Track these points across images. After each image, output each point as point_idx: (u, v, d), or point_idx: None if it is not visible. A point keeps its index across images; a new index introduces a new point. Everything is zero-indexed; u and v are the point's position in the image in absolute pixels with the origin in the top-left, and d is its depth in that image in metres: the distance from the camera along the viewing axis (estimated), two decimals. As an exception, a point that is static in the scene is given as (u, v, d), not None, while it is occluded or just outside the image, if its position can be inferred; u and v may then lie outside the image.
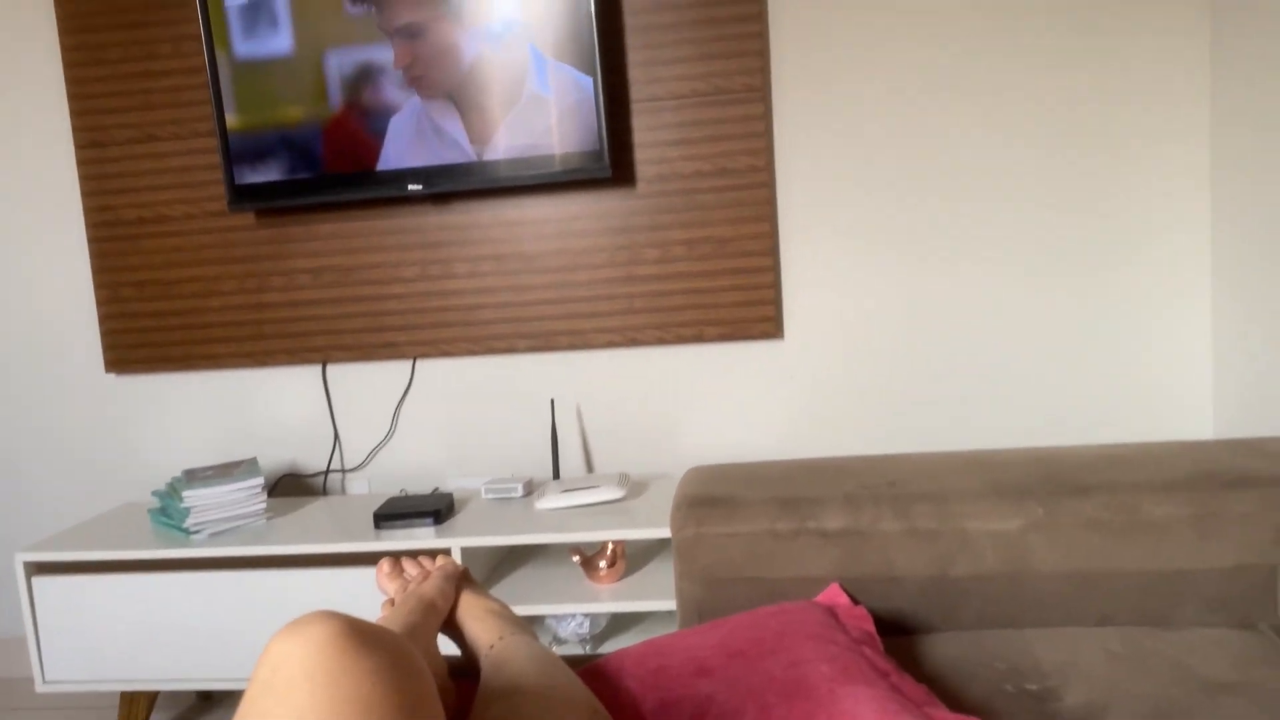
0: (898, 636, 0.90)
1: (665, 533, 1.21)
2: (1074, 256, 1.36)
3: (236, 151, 1.37)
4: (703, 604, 0.95)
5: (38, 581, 1.36)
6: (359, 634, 0.39)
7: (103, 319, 1.49)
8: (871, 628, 0.82)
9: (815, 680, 0.66)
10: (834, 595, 0.89)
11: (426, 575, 0.78)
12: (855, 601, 0.89)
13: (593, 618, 1.34)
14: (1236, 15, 1.23)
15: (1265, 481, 0.88)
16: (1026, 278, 1.37)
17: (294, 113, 1.35)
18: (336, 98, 1.35)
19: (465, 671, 0.71)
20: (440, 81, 1.32)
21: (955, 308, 1.39)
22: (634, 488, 1.39)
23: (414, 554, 0.85)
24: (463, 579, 0.80)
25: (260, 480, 1.38)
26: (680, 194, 1.39)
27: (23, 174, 1.53)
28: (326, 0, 1.32)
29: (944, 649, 0.86)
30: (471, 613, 0.76)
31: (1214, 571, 0.87)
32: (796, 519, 0.94)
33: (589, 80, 1.30)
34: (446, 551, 1.27)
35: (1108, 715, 0.71)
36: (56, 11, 1.44)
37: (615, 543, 1.32)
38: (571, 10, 1.29)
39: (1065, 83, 1.33)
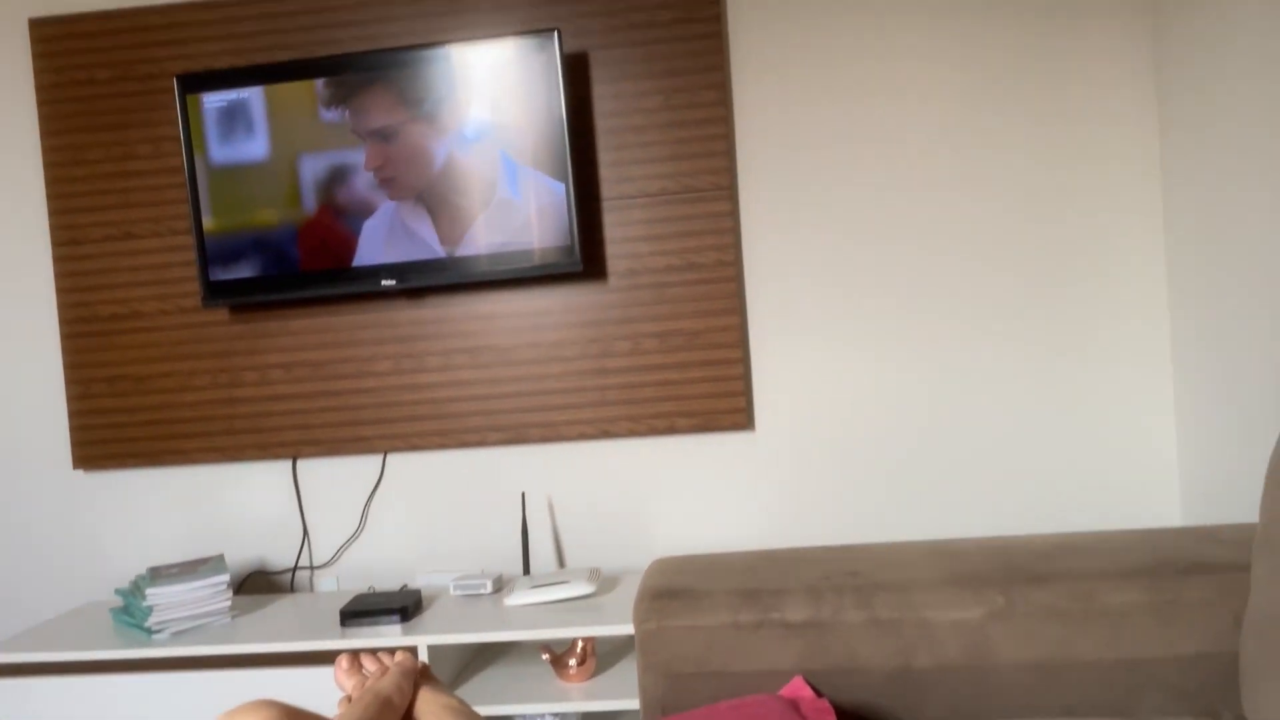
0: None
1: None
2: (1037, 345, 1.38)
3: (212, 251, 1.38)
4: (665, 699, 0.94)
5: None
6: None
7: (73, 415, 1.48)
8: None
9: None
10: (798, 688, 0.88)
11: (384, 671, 0.78)
12: (819, 694, 0.88)
13: (563, 718, 1.31)
14: (1182, 101, 1.27)
15: (1223, 568, 0.88)
16: (991, 367, 1.38)
17: (269, 215, 1.37)
18: (311, 200, 1.37)
19: None
20: (411, 183, 1.35)
21: (922, 397, 1.40)
22: (605, 583, 1.37)
23: (376, 651, 0.85)
24: (421, 675, 0.79)
25: (226, 577, 1.36)
26: (651, 287, 1.41)
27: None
28: (301, 106, 1.35)
29: None
30: (429, 710, 0.76)
31: (1175, 660, 0.86)
32: (759, 610, 0.94)
33: (560, 185, 1.33)
34: (412, 650, 1.25)
35: None
36: (39, 113, 1.47)
37: (585, 640, 1.29)
38: (543, 117, 1.32)
39: (1025, 180, 1.37)
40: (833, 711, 0.83)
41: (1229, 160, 1.15)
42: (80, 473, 1.51)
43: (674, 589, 0.96)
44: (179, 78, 1.37)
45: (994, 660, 0.89)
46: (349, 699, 0.73)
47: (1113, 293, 1.35)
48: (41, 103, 1.46)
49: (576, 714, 1.33)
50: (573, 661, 1.27)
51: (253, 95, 1.36)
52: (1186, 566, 0.90)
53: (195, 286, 1.43)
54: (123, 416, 1.47)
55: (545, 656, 1.30)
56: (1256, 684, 0.76)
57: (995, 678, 0.90)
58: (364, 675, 0.79)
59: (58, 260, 1.47)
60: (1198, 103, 1.23)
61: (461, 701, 0.78)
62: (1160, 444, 1.36)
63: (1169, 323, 1.34)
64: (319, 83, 1.35)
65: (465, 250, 1.35)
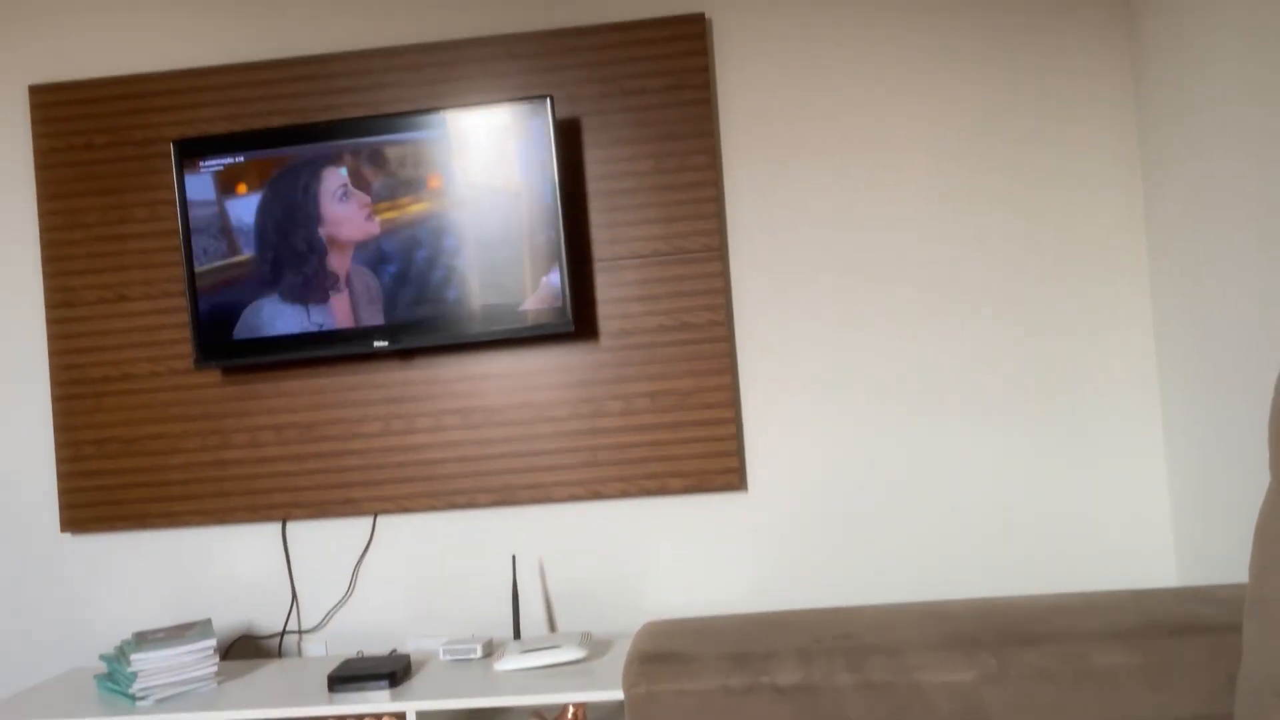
0: None
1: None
2: (1028, 406, 1.38)
3: (203, 318, 1.37)
4: None
5: None
6: None
7: (62, 477, 1.46)
8: None
9: None
10: None
11: None
12: None
13: None
14: (1165, 160, 1.29)
15: (1217, 629, 0.87)
16: (983, 427, 1.38)
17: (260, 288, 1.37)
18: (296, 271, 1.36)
19: None
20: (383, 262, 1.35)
21: (914, 456, 1.39)
22: (597, 647, 1.34)
23: (364, 718, 0.82)
24: None
25: (213, 642, 1.33)
26: (642, 348, 1.40)
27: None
28: (290, 181, 1.36)
29: None
30: None
31: None
32: (750, 674, 0.93)
33: (558, 280, 1.33)
34: (400, 717, 1.21)
35: None
36: (37, 177, 1.48)
37: (577, 705, 1.27)
38: (537, 181, 1.33)
39: (1012, 238, 1.39)
40: None
41: (1212, 220, 1.16)
42: (68, 535, 1.48)
43: (664, 653, 0.96)
44: (175, 143, 1.38)
45: None
46: None
47: (1102, 353, 1.36)
48: (40, 167, 1.47)
49: None
50: None
51: (243, 162, 1.37)
52: (1179, 627, 0.90)
53: (187, 348, 1.42)
54: (111, 479, 1.45)
55: None
56: None
57: None
58: None
59: (51, 323, 1.46)
60: (1180, 164, 1.25)
61: None
62: (1153, 503, 1.35)
63: (1158, 380, 1.34)
64: (298, 151, 1.36)
65: (459, 314, 1.35)
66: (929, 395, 1.38)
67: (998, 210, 1.37)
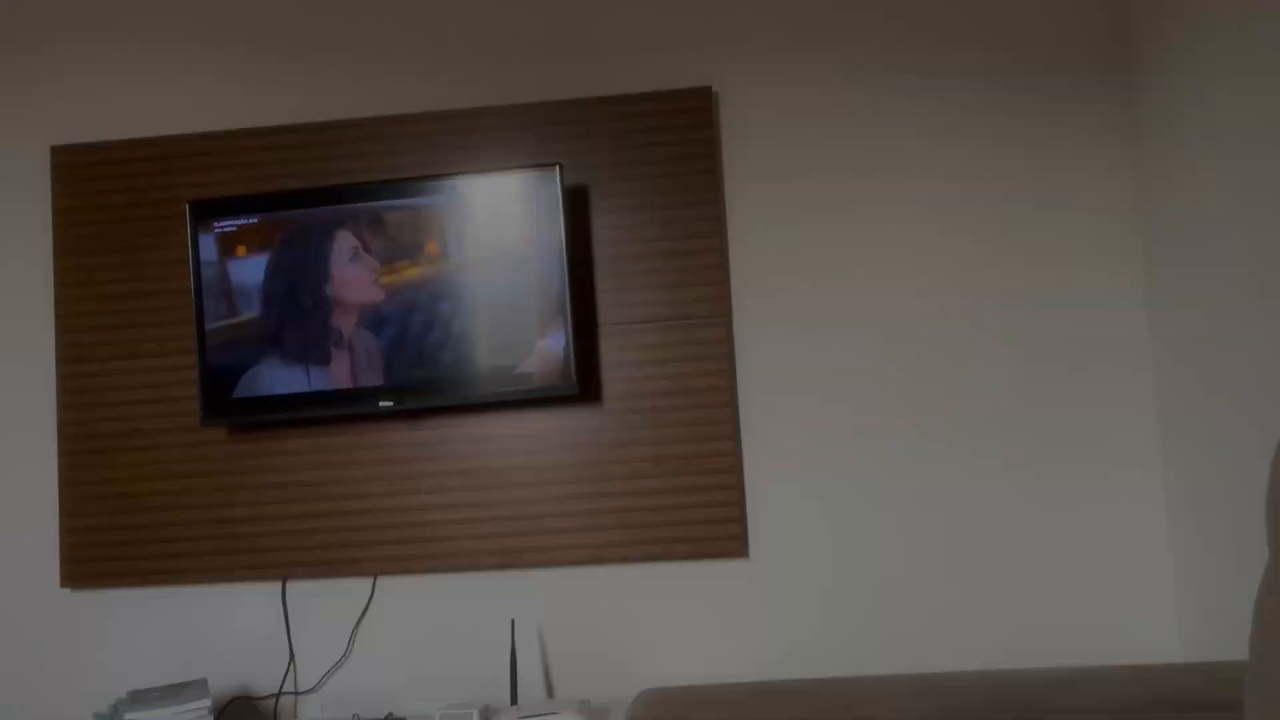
0: None
1: None
2: (1031, 478, 1.37)
3: (212, 375, 1.36)
4: None
5: None
6: None
7: (65, 533, 1.44)
8: None
9: None
10: None
11: None
12: None
13: None
14: (1166, 234, 1.29)
15: (1223, 707, 0.85)
16: (986, 498, 1.36)
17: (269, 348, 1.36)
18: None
19: None
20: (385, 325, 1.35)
21: (917, 527, 1.37)
22: (595, 714, 1.31)
23: None
24: None
25: (207, 703, 1.30)
26: (646, 411, 1.39)
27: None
28: (299, 244, 1.36)
29: None
30: None
31: None
32: None
33: (563, 342, 1.33)
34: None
35: None
36: (55, 236, 1.48)
37: None
38: (544, 247, 1.33)
39: (1012, 311, 1.37)
40: None
41: (1213, 287, 1.16)
42: (66, 591, 1.45)
43: None
44: (190, 204, 1.38)
45: None
46: None
47: (1104, 428, 1.35)
48: (58, 226, 1.47)
49: None
50: None
51: (253, 222, 1.38)
52: (1184, 705, 0.88)
53: (195, 405, 1.40)
54: (114, 534, 1.43)
55: None
56: None
57: None
58: None
59: (63, 378, 1.45)
60: (1179, 228, 1.25)
61: None
62: (1157, 578, 1.32)
63: (1161, 453, 1.33)
64: (305, 215, 1.37)
65: (464, 376, 1.34)
66: (932, 465, 1.37)
67: (999, 274, 1.37)
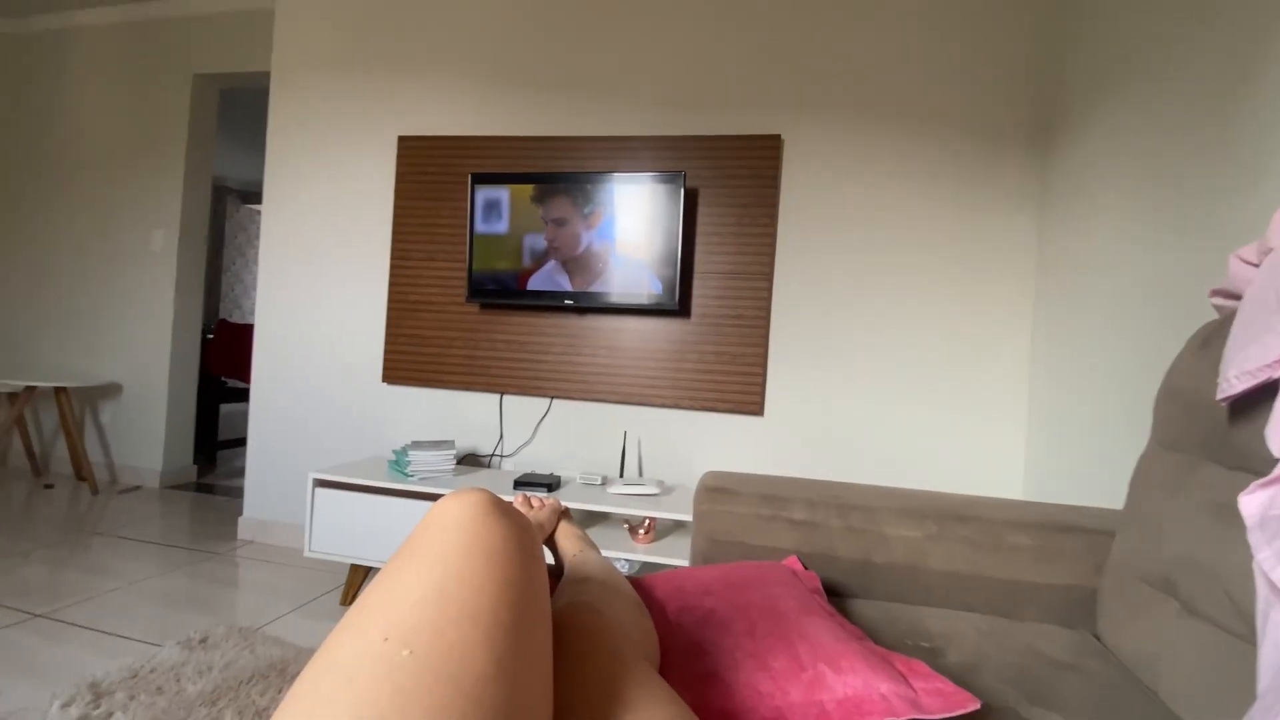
0: (833, 598, 1.05)
1: (683, 516, 1.79)
2: (941, 390, 2.05)
3: (474, 275, 2.26)
4: (708, 554, 1.15)
5: (318, 491, 2.03)
6: (499, 505, 0.46)
7: (386, 353, 2.42)
8: (819, 586, 0.97)
9: (785, 609, 0.76)
10: (793, 563, 1.05)
11: (542, 506, 1.01)
12: (806, 568, 1.05)
13: (631, 564, 1.81)
14: (1052, 274, 1.94)
15: (1090, 531, 1.03)
16: (911, 401, 2.09)
17: (504, 262, 2.25)
18: (526, 258, 2.22)
19: (555, 573, 0.84)
20: (577, 254, 2.18)
21: (870, 411, 2.12)
22: (666, 489, 2.13)
23: (529, 499, 1.07)
24: (563, 514, 1.02)
25: (454, 453, 2.18)
26: (713, 326, 2.19)
27: (359, 272, 2.50)
28: (526, 206, 2.22)
29: (864, 611, 1.02)
30: (564, 534, 0.95)
31: (1050, 587, 1.02)
32: (773, 509, 1.10)
33: (673, 264, 2.11)
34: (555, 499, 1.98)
35: (981, 672, 0.83)
36: (395, 189, 2.47)
37: (651, 519, 1.84)
38: (666, 225, 2.11)
39: (934, 324, 2.06)
40: (818, 579, 0.98)
41: (1080, 305, 1.79)
42: (385, 385, 2.43)
43: (720, 488, 1.17)
44: (471, 175, 2.28)
45: (926, 565, 1.06)
46: None
47: (990, 370, 2.03)
48: (398, 182, 2.44)
49: (640, 563, 1.80)
50: (641, 531, 1.84)
51: (503, 192, 2.23)
52: (1065, 527, 1.04)
53: (463, 290, 2.31)
54: (413, 356, 2.39)
55: (625, 526, 1.89)
56: (1111, 611, 0.92)
57: (926, 577, 1.06)
58: (531, 508, 1.01)
59: (393, 269, 2.44)
60: (1061, 272, 1.90)
61: (585, 533, 0.96)
62: (1011, 449, 2.00)
63: (1028, 382, 2.00)
64: (533, 187, 2.21)
65: (612, 291, 2.16)
66: (885, 377, 2.12)
67: (936, 278, 2.07)
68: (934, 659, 0.85)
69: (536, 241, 2.22)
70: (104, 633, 1.77)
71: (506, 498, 1.55)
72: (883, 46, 2.12)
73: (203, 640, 1.68)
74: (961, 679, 0.80)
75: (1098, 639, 0.96)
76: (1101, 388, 1.60)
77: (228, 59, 3.26)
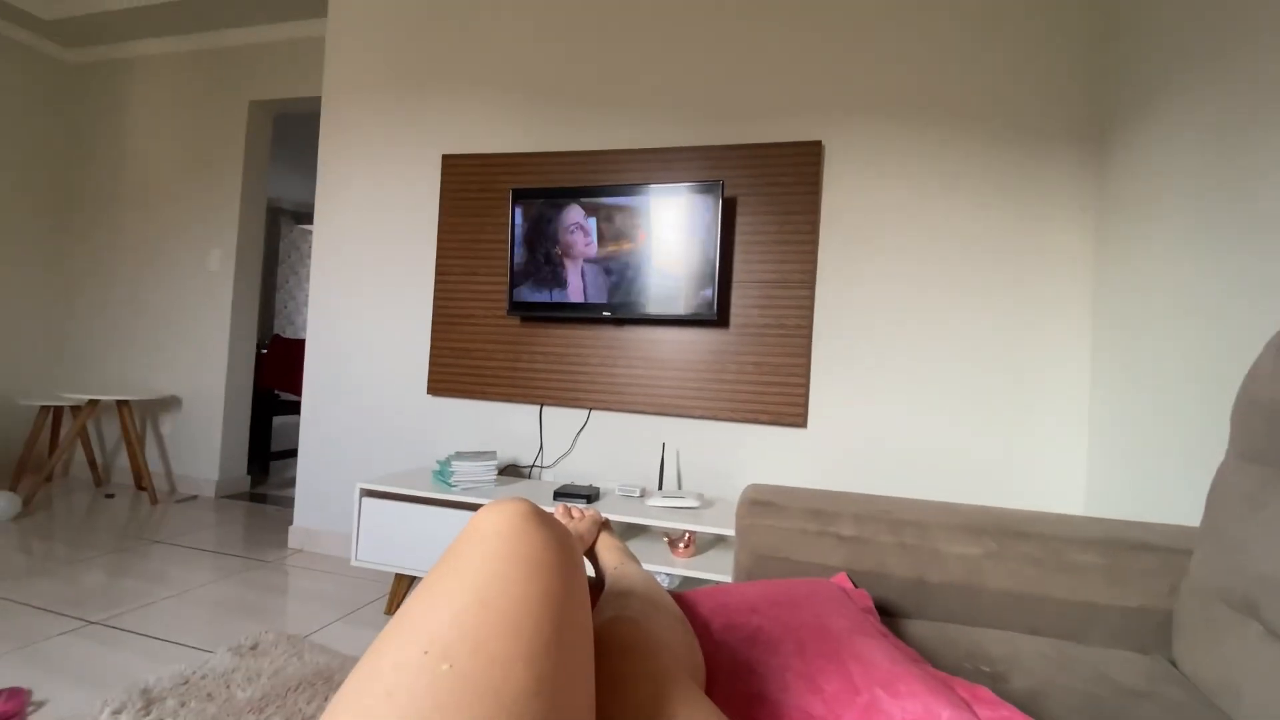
0: (885, 618, 1.01)
1: (724, 530, 1.75)
2: (992, 401, 1.98)
3: (515, 287, 2.27)
4: (751, 570, 1.12)
5: (365, 501, 2.06)
6: (540, 515, 0.46)
7: (431, 366, 2.47)
8: (871, 605, 0.93)
9: (836, 629, 0.73)
10: (842, 580, 1.01)
11: (582, 517, 0.99)
12: (856, 586, 1.01)
13: (671, 578, 1.80)
14: (1111, 287, 1.87)
15: (1163, 550, 0.99)
16: (959, 413, 2.02)
17: (544, 277, 2.29)
18: (566, 270, 2.27)
19: (596, 586, 0.82)
20: (629, 264, 2.18)
21: (914, 423, 2.05)
22: (706, 502, 2.10)
23: (570, 509, 1.06)
24: (604, 526, 1.00)
25: (495, 464, 2.21)
26: (754, 335, 2.16)
27: (405, 287, 2.55)
28: (565, 219, 2.25)
29: (918, 631, 0.98)
30: (605, 546, 0.93)
31: (1121, 609, 0.97)
32: (820, 524, 1.08)
33: (712, 271, 2.10)
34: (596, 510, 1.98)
35: (1048, 700, 0.78)
36: (440, 206, 2.53)
37: (691, 533, 1.81)
38: (704, 234, 2.11)
39: (991, 304, 2.00)
40: (869, 598, 0.94)
41: (1143, 313, 1.69)
42: (429, 396, 2.48)
43: (764, 501, 1.14)
44: (512, 190, 2.32)
45: (985, 585, 1.01)
46: None
47: (1041, 368, 1.95)
48: (442, 198, 2.50)
49: (680, 577, 1.80)
50: (681, 545, 1.81)
51: (543, 206, 2.26)
52: (1135, 545, 0.99)
53: (504, 304, 2.34)
54: (455, 369, 2.43)
55: (665, 539, 1.87)
56: (1188, 635, 0.87)
57: (984, 597, 1.01)
58: (570, 518, 0.99)
59: (437, 284, 2.50)
60: (1120, 283, 1.83)
61: (626, 545, 0.94)
62: (1072, 469, 1.91)
63: (1089, 392, 1.91)
64: (572, 201, 2.23)
65: (650, 302, 2.16)
66: (935, 387, 2.06)
67: (987, 284, 2.01)
68: (997, 685, 0.81)
69: (575, 254, 2.24)
70: (158, 639, 1.82)
71: (547, 508, 1.47)
72: (925, 50, 2.08)
73: (253, 647, 1.72)
74: (1027, 707, 0.76)
75: (1173, 665, 0.91)
76: (1168, 398, 1.52)
77: (281, 86, 3.41)
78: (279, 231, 7.10)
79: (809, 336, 2.13)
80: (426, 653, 0.35)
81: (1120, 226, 1.80)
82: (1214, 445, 1.34)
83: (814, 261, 2.13)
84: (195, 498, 3.46)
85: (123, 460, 3.68)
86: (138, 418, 3.64)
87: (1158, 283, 1.60)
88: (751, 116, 2.22)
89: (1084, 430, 1.91)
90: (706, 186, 2.11)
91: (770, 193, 2.17)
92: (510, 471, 2.39)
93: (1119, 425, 1.74)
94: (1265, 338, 1.21)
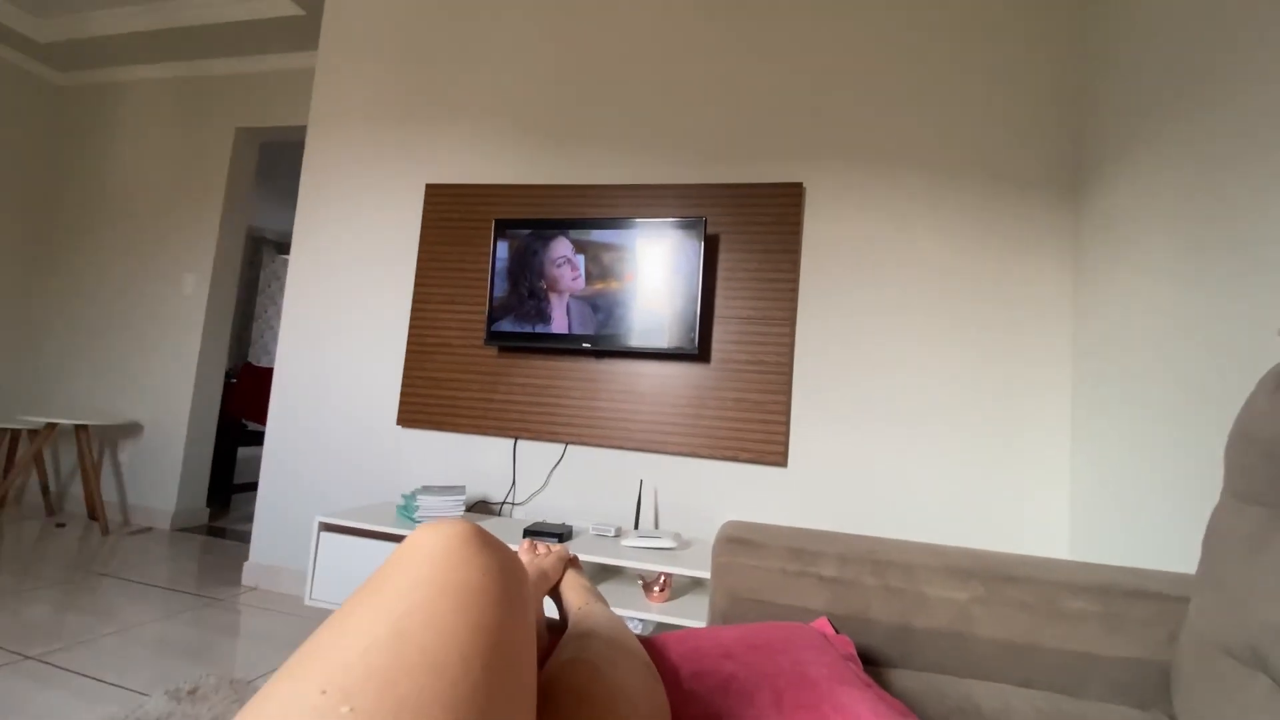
0: (868, 666, 0.97)
1: (701, 573, 1.68)
2: (973, 438, 1.95)
3: (493, 316, 2.22)
4: (727, 613, 1.06)
5: (324, 536, 1.94)
6: (482, 538, 0.41)
7: (402, 395, 2.40)
8: (853, 652, 0.89)
9: (816, 677, 0.70)
10: (823, 625, 0.97)
11: (548, 553, 0.95)
12: (838, 631, 0.97)
13: (645, 624, 1.72)
14: (1090, 317, 1.87)
15: (1160, 597, 0.94)
16: (943, 451, 1.98)
17: (525, 307, 2.23)
18: (546, 301, 2.22)
19: (560, 629, 0.78)
20: (609, 295, 2.15)
21: (896, 461, 2.02)
22: (683, 543, 2.02)
23: (535, 546, 1.02)
24: (571, 563, 0.96)
25: (463, 499, 2.11)
26: (734, 371, 2.13)
27: (381, 316, 2.47)
28: (547, 251, 2.22)
29: (904, 683, 0.93)
30: (570, 585, 0.89)
31: (1118, 660, 0.92)
32: (801, 564, 1.04)
33: (694, 308, 2.07)
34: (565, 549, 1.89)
35: None
36: (421, 235, 2.49)
37: (666, 575, 1.76)
38: (686, 270, 2.09)
39: (964, 369, 1.98)
40: (851, 644, 0.91)
41: (1120, 348, 1.71)
42: (399, 427, 2.38)
43: (743, 539, 1.09)
44: (496, 221, 2.29)
45: (973, 632, 0.97)
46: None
47: (1024, 406, 1.93)
48: (424, 228, 2.46)
49: (654, 623, 1.72)
50: (656, 588, 1.74)
51: (526, 237, 2.24)
52: (1130, 592, 0.95)
53: (482, 333, 2.28)
54: (428, 400, 2.35)
55: (639, 582, 1.79)
56: (1189, 689, 0.82)
57: (973, 646, 0.97)
58: (535, 554, 0.95)
59: (413, 312, 2.43)
60: (1098, 314, 1.83)
61: (593, 585, 0.90)
62: (1056, 504, 1.87)
63: (1070, 430, 1.89)
64: (556, 233, 2.21)
65: (631, 335, 2.12)
66: (913, 423, 2.02)
67: (968, 317, 2.00)
68: (987, 741, 0.75)
69: (557, 285, 2.21)
70: (94, 679, 1.68)
71: (514, 546, 1.50)
72: (905, 91, 2.12)
73: (192, 691, 1.59)
74: (1022, 767, 0.70)
75: (1174, 721, 0.86)
76: (1151, 436, 1.49)
77: (269, 114, 3.40)
78: (261, 261, 7.03)
79: (789, 373, 2.10)
80: (324, 693, 0.29)
81: (1098, 263, 1.81)
82: (1198, 483, 1.31)
83: (794, 299, 2.12)
84: (149, 530, 3.29)
85: (77, 488, 3.50)
86: (96, 444, 3.48)
87: (1136, 320, 1.60)
88: (736, 157, 2.23)
89: (1067, 469, 1.88)
90: (690, 223, 2.11)
91: (752, 231, 2.17)
92: (480, 508, 2.29)
93: (1101, 464, 1.71)
94: (1246, 374, 1.20)
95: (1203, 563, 0.86)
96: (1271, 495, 0.78)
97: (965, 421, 1.97)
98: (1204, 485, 1.29)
